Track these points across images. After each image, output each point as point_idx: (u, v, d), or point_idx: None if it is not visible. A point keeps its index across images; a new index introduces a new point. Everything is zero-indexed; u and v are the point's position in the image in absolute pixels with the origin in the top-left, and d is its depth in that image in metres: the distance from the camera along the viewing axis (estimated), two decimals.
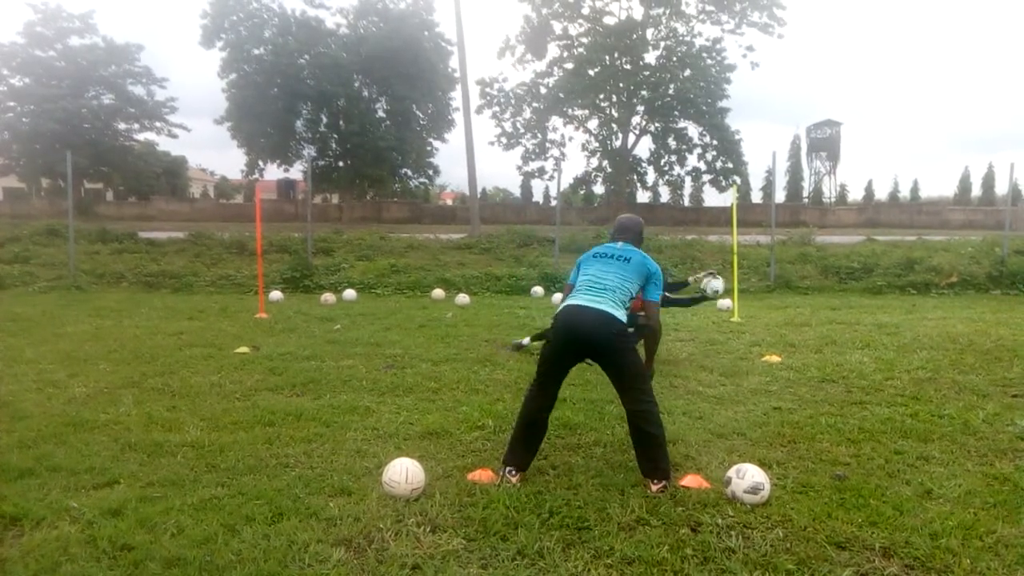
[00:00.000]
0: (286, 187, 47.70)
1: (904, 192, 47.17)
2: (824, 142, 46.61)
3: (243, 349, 7.73)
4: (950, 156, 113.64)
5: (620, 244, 4.34)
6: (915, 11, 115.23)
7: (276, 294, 12.66)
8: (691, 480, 3.94)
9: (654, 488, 3.82)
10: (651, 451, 3.90)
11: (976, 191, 45.26)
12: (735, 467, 3.83)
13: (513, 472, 3.99)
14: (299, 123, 41.80)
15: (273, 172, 44.88)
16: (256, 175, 43.05)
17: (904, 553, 3.17)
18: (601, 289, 4.05)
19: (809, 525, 3.44)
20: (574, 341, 3.99)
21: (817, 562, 3.10)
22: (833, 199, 46.74)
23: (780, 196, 46.21)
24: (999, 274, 14.25)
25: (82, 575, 2.99)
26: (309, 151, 41.15)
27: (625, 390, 3.97)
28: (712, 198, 45.66)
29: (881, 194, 47.89)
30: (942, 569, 3.03)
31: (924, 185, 52.14)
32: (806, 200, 46.97)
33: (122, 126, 43.56)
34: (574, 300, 4.08)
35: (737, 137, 40.49)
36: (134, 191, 47.37)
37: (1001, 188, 42.88)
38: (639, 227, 4.52)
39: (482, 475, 4.01)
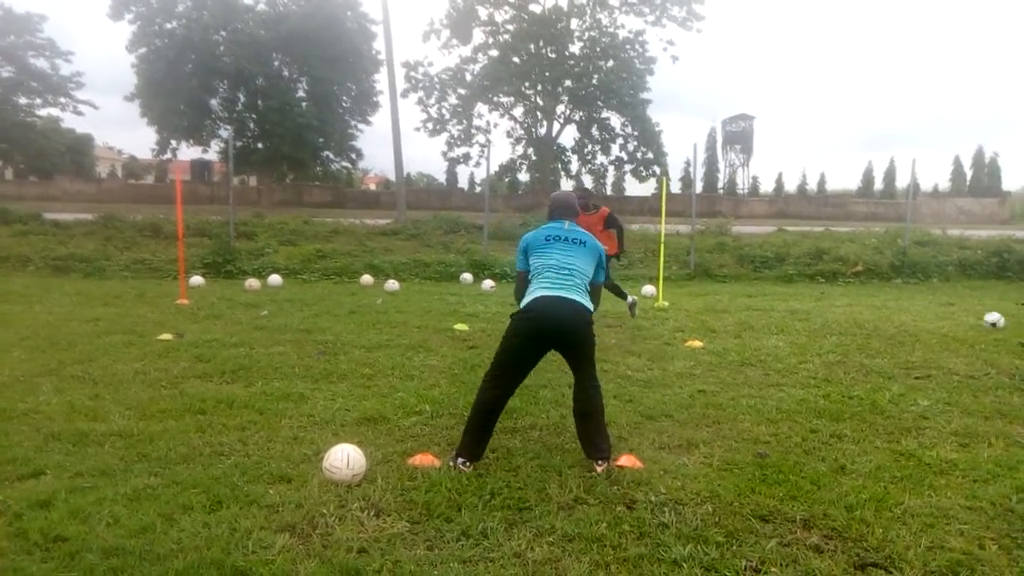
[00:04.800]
0: (201, 168, 45.76)
1: (812, 185, 49.02)
2: (738, 135, 47.96)
3: (166, 336, 7.49)
4: (854, 151, 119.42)
5: (567, 224, 4.26)
6: (822, 11, 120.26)
7: (197, 279, 12.27)
8: (626, 460, 4.10)
9: (599, 469, 3.96)
10: (595, 431, 4.04)
11: (879, 185, 47.38)
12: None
13: (467, 464, 3.96)
14: (215, 102, 40.21)
15: (186, 152, 43.17)
16: (168, 155, 41.30)
17: (823, 524, 3.40)
18: (568, 275, 4.05)
19: (735, 500, 3.65)
20: (551, 332, 3.97)
21: (744, 534, 3.29)
22: (746, 191, 48.29)
23: (698, 187, 47.36)
24: (900, 264, 15.18)
25: (14, 569, 2.90)
26: (227, 131, 39.68)
27: (582, 375, 4.10)
28: (634, 188, 46.47)
29: (790, 186, 49.70)
30: (857, 538, 3.27)
31: (830, 178, 54.48)
32: (721, 191, 48.37)
33: (23, 101, 41.12)
34: (547, 290, 3.99)
35: (658, 128, 41.38)
36: (36, 170, 44.79)
37: (902, 182, 45.22)
38: (575, 204, 4.45)
39: (423, 459, 4.05)
